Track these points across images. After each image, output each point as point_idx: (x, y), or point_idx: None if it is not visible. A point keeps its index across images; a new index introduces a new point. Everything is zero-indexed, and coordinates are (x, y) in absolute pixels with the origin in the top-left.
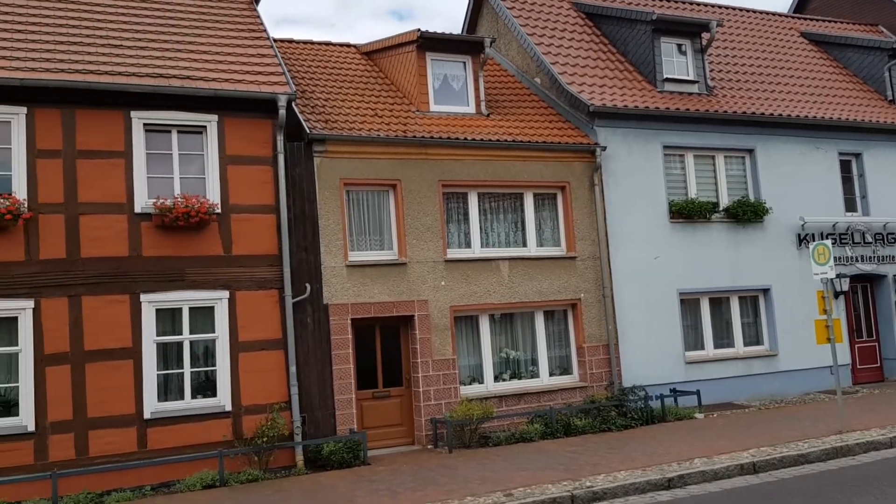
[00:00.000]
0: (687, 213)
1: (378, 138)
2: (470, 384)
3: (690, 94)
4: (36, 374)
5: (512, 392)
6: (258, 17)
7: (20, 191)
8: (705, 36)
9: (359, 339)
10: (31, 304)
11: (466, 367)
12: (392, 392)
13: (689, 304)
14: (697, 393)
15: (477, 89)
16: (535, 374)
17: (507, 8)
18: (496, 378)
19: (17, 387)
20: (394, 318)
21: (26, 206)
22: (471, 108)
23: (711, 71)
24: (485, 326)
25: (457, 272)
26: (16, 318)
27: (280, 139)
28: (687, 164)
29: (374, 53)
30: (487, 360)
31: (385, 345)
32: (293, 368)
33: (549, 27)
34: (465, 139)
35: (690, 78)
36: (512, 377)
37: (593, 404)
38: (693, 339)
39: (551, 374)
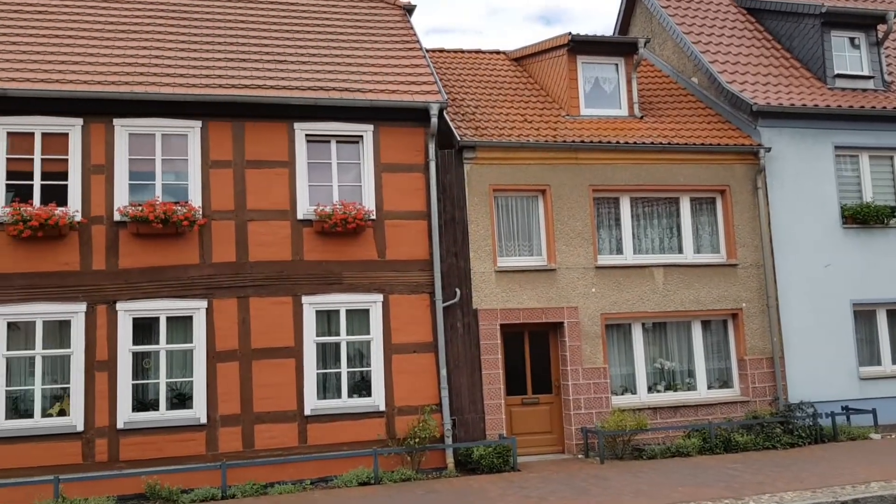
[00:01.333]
0: (862, 217)
1: (527, 144)
2: (622, 394)
3: (865, 90)
4: (208, 370)
5: (667, 404)
6: (411, 28)
7: (195, 199)
8: (881, 28)
9: (508, 344)
10: (204, 304)
11: (618, 377)
12: (541, 399)
13: (863, 315)
14: (873, 412)
15: (630, 91)
16: (691, 387)
17: (662, 7)
18: (650, 389)
19: (192, 381)
20: (543, 324)
21: (201, 213)
22: (623, 111)
23: (889, 65)
24: (637, 335)
25: (608, 279)
26: (191, 317)
27: (432, 147)
28: (861, 166)
29: (523, 59)
30: (640, 370)
31: (534, 351)
32: (444, 371)
33: (707, 24)
34: (618, 143)
35: (865, 73)
36: (667, 388)
37: (756, 420)
38: (868, 353)
39: (709, 387)
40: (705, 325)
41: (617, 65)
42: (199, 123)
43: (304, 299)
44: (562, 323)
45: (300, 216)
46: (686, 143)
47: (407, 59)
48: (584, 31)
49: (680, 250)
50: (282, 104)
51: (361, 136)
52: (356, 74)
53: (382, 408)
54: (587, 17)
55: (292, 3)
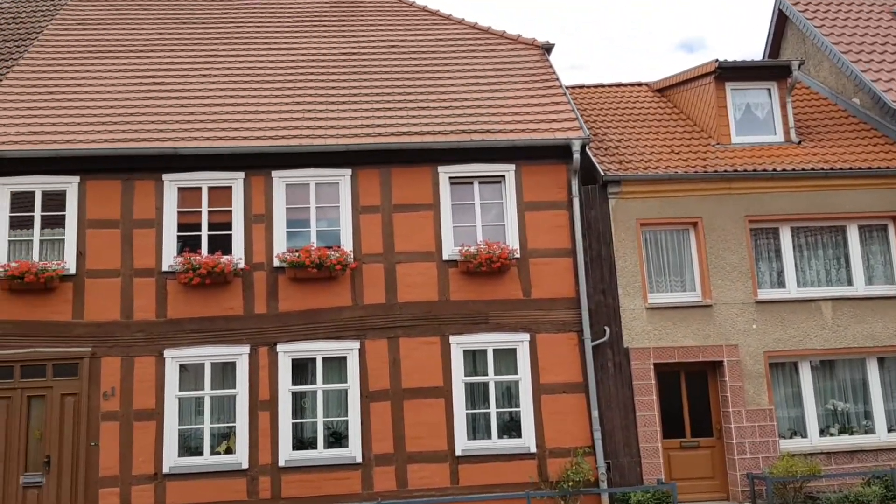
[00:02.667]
0: None
1: (676, 175)
2: (790, 438)
3: None
4: (362, 410)
5: (842, 449)
6: (550, 66)
7: (347, 243)
8: None
9: (662, 384)
10: (357, 344)
11: (785, 419)
12: (701, 442)
13: None
14: None
15: (785, 116)
16: (868, 429)
17: (816, 27)
18: (822, 432)
19: (347, 420)
20: (700, 363)
21: (352, 256)
22: (778, 137)
23: None
24: (805, 374)
25: (770, 314)
26: (345, 358)
27: (575, 183)
28: None
29: (667, 89)
30: (810, 412)
31: (691, 391)
32: (595, 413)
33: (868, 42)
34: (774, 170)
35: None
36: (841, 432)
37: None
38: None
39: (889, 430)
40: (881, 362)
41: (769, 89)
42: (349, 171)
43: (452, 339)
44: (721, 362)
45: (446, 257)
46: (851, 168)
47: (547, 97)
48: (728, 57)
49: (849, 282)
50: (426, 149)
51: (503, 176)
52: (497, 115)
53: (533, 449)
54: (730, 42)
55: (433, 51)
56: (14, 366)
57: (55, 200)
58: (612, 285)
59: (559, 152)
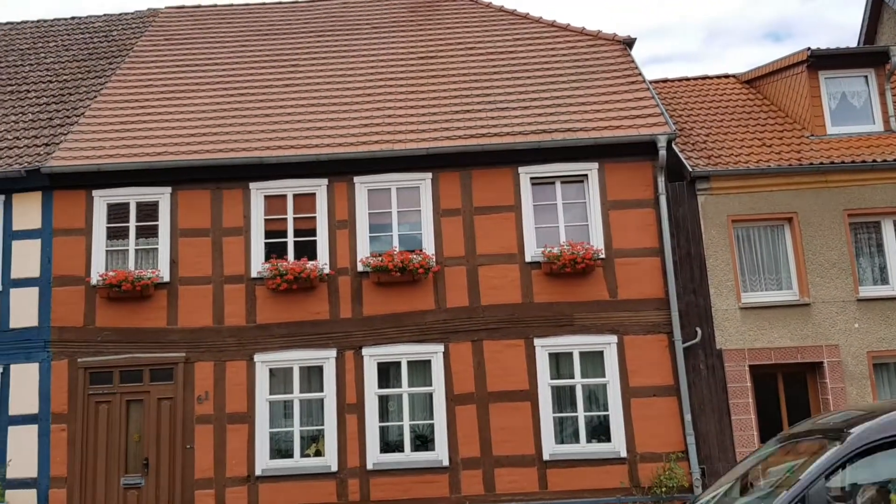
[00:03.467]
0: None
1: (768, 169)
2: None
3: None
4: (448, 413)
5: None
6: (632, 61)
7: (429, 247)
8: None
9: (758, 386)
10: (441, 348)
11: None
12: None
13: None
14: None
15: (883, 104)
16: None
17: None
18: None
19: (433, 424)
20: (798, 364)
21: (434, 260)
22: (877, 126)
23: None
24: None
25: (873, 313)
26: (429, 361)
27: (661, 180)
28: None
29: (756, 81)
30: None
31: (789, 394)
32: (688, 417)
33: None
34: (874, 161)
35: None
36: None
37: None
38: None
39: None
40: None
41: (866, 77)
42: (429, 175)
43: (537, 342)
44: (820, 363)
45: (528, 258)
46: None
47: (630, 93)
48: (820, 44)
49: None
50: (506, 150)
51: (586, 175)
52: (578, 114)
53: (623, 454)
54: (820, 28)
55: (512, 51)
56: (113, 371)
57: (149, 211)
58: (703, 285)
59: (644, 149)
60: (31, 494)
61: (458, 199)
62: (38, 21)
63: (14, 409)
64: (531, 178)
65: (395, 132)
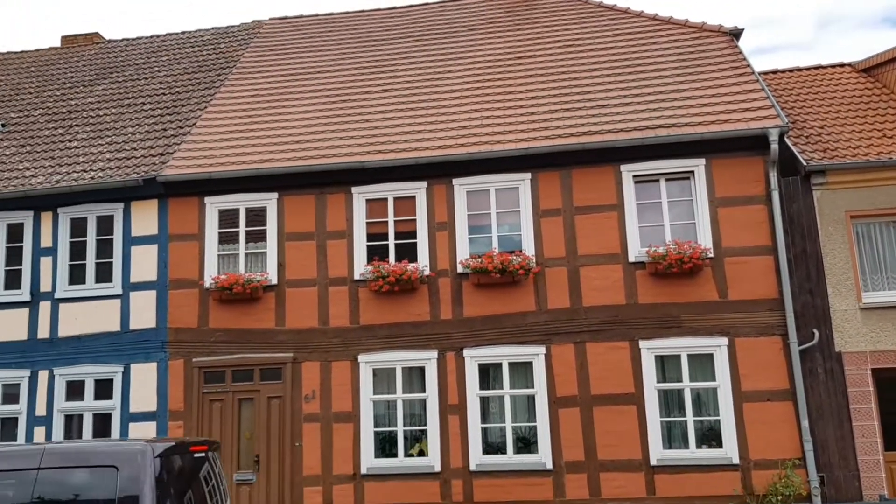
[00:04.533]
0: None
1: (889, 162)
2: None
3: None
4: (550, 415)
5: None
6: (740, 52)
7: (529, 248)
8: None
9: (883, 392)
10: (542, 349)
11: None
12: None
13: None
14: None
15: None
16: None
17: None
18: None
19: (535, 426)
20: None
21: (535, 261)
22: None
23: None
24: None
25: None
26: (531, 363)
27: (773, 175)
28: None
29: (873, 69)
30: None
31: None
32: (805, 422)
33: None
34: None
35: None
36: None
37: None
38: None
39: None
40: None
41: None
42: (528, 175)
43: (642, 344)
44: None
45: (632, 259)
46: None
47: (738, 86)
48: None
49: None
50: (607, 148)
51: (692, 172)
52: (683, 108)
53: (736, 460)
54: None
55: (612, 47)
56: (226, 370)
57: (257, 216)
58: (820, 284)
59: (754, 143)
60: None
61: (557, 199)
62: (151, 37)
63: (134, 406)
64: (634, 176)
65: (494, 133)
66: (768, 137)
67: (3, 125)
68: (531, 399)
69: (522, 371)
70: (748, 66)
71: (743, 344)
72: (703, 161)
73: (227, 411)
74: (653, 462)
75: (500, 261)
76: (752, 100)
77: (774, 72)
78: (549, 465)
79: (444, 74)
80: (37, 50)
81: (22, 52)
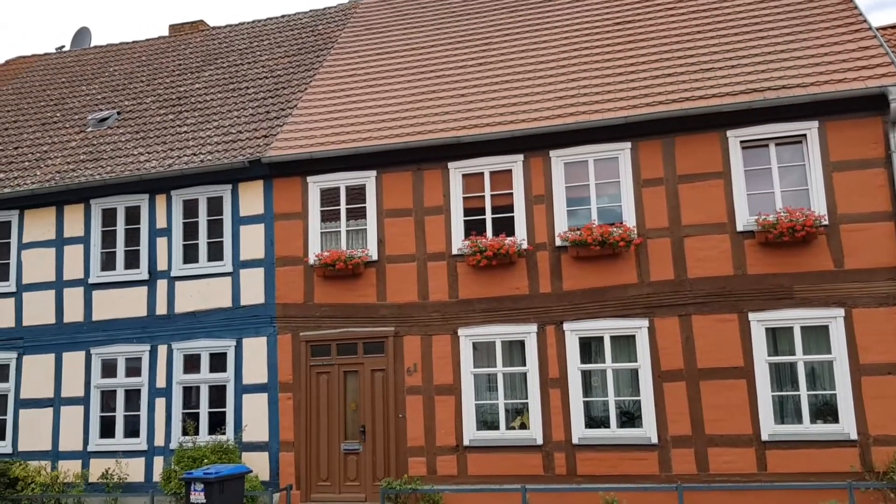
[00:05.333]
0: None
1: None
2: None
3: None
4: (654, 390)
5: None
6: (855, 7)
7: (629, 219)
8: None
9: None
10: (645, 323)
11: None
12: None
13: None
14: None
15: None
16: None
17: None
18: None
19: (639, 400)
20: None
21: (636, 232)
22: None
23: None
24: None
25: None
26: (633, 336)
27: (893, 136)
28: None
29: None
30: None
31: None
32: None
33: None
34: None
35: None
36: None
37: None
38: None
39: None
40: None
41: None
42: (628, 145)
43: (751, 316)
44: None
45: (740, 228)
46: None
47: (853, 42)
48: None
49: None
50: (712, 113)
51: (804, 135)
52: (793, 69)
53: (853, 436)
54: None
55: (715, 8)
56: (331, 344)
57: (357, 194)
58: None
59: (871, 103)
60: (263, 457)
61: (659, 168)
62: (252, 22)
63: (247, 378)
64: (741, 142)
65: (592, 102)
66: (888, 96)
67: (119, 113)
68: (634, 373)
69: (625, 344)
70: (864, 20)
71: (861, 315)
72: (815, 124)
73: (333, 383)
74: (764, 437)
75: (600, 233)
76: (868, 57)
77: (894, 27)
78: (655, 440)
79: (539, 45)
80: (147, 40)
81: (133, 42)
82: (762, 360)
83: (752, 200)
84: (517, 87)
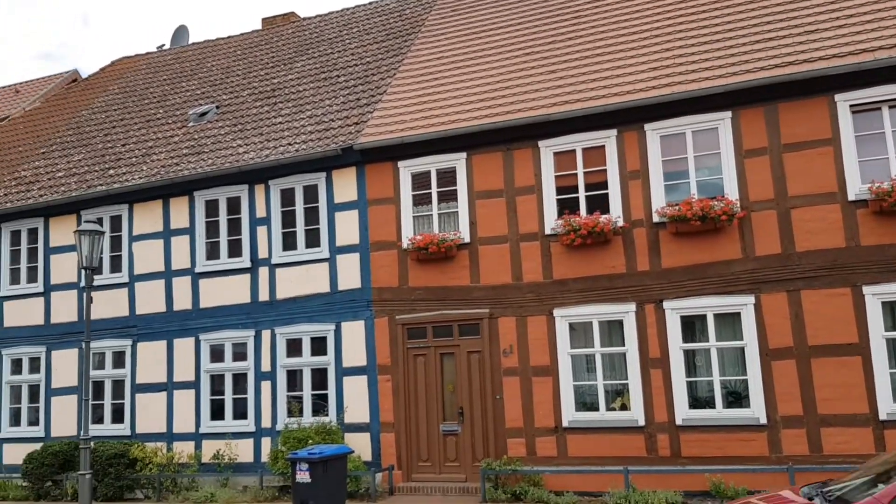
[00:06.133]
0: None
1: None
2: None
3: None
4: (762, 368)
5: None
6: None
7: (731, 192)
8: None
9: None
10: (751, 299)
11: None
12: None
13: None
14: None
15: None
16: None
17: None
18: None
19: (746, 380)
20: None
21: (738, 205)
22: None
23: None
24: None
25: None
26: (738, 314)
27: None
28: None
29: None
30: None
31: None
32: None
33: None
34: None
35: None
36: None
37: None
38: None
39: None
40: None
41: None
42: (728, 114)
43: (866, 290)
44: None
45: (851, 197)
46: None
47: None
48: None
49: None
50: (818, 77)
51: None
52: None
53: None
54: None
55: None
56: (427, 326)
57: (447, 177)
58: None
59: None
60: (365, 438)
61: (762, 137)
62: (341, 10)
63: (346, 361)
64: (851, 106)
65: (688, 72)
66: None
67: (217, 107)
68: (740, 351)
69: (729, 322)
70: None
71: None
72: None
73: (430, 365)
74: (882, 416)
75: (700, 207)
76: None
77: None
78: (763, 420)
79: (630, 15)
80: (241, 34)
81: (228, 37)
82: (878, 335)
83: (865, 167)
84: (609, 59)
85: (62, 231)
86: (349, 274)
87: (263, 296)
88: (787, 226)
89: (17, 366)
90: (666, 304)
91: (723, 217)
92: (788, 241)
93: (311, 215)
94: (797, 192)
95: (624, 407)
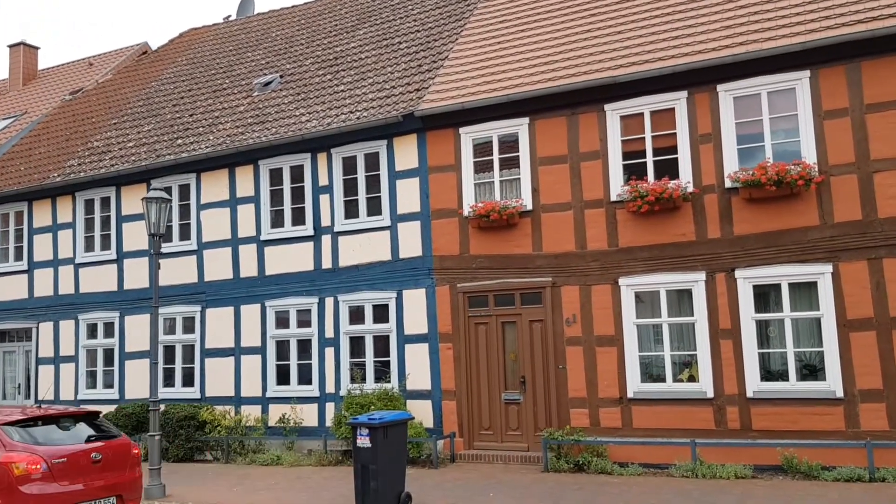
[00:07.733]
0: None
1: None
2: None
3: None
4: (840, 340)
5: None
6: None
7: (809, 155)
8: None
9: None
10: (828, 268)
11: None
12: None
13: None
14: None
15: None
16: None
17: None
18: None
19: (822, 352)
20: None
21: (817, 169)
22: None
23: None
24: None
25: None
26: (815, 283)
27: None
28: None
29: None
30: None
31: None
32: None
33: None
34: None
35: None
36: None
37: None
38: None
39: None
40: None
41: None
42: (806, 73)
43: None
44: None
45: None
46: None
47: None
48: None
49: None
50: None
51: None
52: None
53: None
54: None
55: None
56: (488, 295)
57: (509, 143)
58: None
59: None
60: (426, 405)
61: (843, 98)
62: None
63: (408, 329)
64: None
65: (763, 29)
66: None
67: (281, 76)
68: (816, 322)
69: (805, 292)
70: None
71: None
72: None
73: (492, 334)
74: None
75: (776, 172)
76: None
77: None
78: (840, 394)
79: None
80: (304, 3)
81: (293, 6)
82: None
83: None
84: (678, 18)
85: (133, 200)
86: (410, 242)
87: (326, 263)
88: (868, 191)
89: (92, 330)
90: (738, 273)
91: (799, 182)
92: (870, 206)
93: (373, 183)
94: (880, 156)
95: (692, 378)
